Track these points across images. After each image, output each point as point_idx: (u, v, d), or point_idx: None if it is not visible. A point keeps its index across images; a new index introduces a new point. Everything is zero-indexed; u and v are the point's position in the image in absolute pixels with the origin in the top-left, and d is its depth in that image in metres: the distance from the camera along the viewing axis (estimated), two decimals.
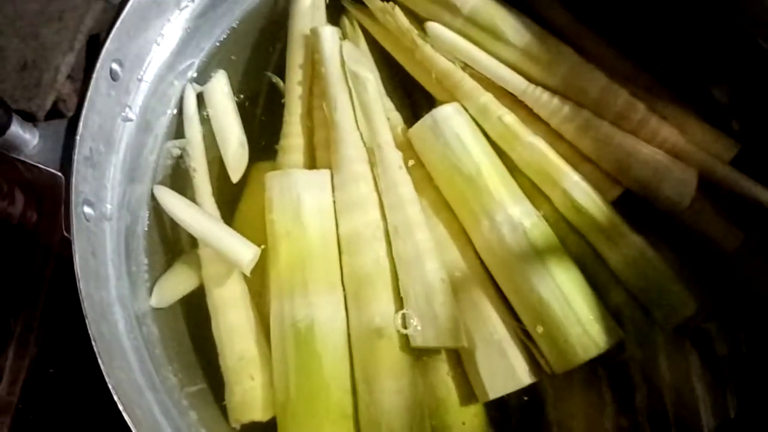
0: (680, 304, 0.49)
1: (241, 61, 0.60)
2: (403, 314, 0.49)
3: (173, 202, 0.50)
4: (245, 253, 0.50)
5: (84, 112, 0.42)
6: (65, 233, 0.40)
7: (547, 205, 0.53)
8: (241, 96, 0.59)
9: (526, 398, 0.50)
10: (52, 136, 0.42)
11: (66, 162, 0.41)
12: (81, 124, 0.42)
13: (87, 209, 0.43)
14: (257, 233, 0.52)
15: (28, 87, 0.76)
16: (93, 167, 0.44)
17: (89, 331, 0.38)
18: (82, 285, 0.39)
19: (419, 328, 0.48)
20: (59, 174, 0.41)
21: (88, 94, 0.42)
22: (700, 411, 0.49)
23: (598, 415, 0.51)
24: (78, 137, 0.41)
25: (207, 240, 0.50)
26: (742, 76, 0.56)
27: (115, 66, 0.45)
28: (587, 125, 0.53)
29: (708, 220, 0.53)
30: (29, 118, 0.75)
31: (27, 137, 0.41)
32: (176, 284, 0.53)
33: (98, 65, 0.43)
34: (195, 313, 0.52)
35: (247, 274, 0.50)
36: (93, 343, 0.37)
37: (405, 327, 0.48)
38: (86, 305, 0.38)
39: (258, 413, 0.49)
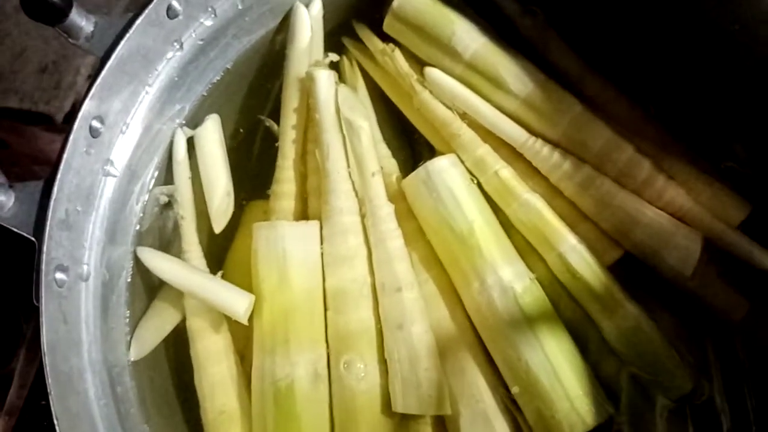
0: (675, 381, 0.48)
1: (238, 99, 0.58)
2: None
3: (158, 263, 0.50)
4: (240, 303, 0.49)
5: (59, 174, 0.41)
6: (35, 302, 0.39)
7: (542, 265, 0.51)
8: (241, 130, 0.58)
9: None
10: (27, 198, 0.41)
11: (40, 225, 0.41)
12: (56, 187, 0.41)
13: (59, 275, 0.42)
14: (250, 273, 0.51)
15: (47, 89, 0.77)
16: (69, 229, 0.43)
17: (52, 409, 0.37)
18: (48, 360, 0.38)
19: (398, 391, 0.47)
20: (33, 239, 0.40)
21: (64, 156, 0.41)
22: None
23: None
24: (52, 201, 0.41)
25: (199, 296, 0.50)
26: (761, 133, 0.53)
27: (95, 123, 0.44)
28: (588, 183, 0.51)
29: (712, 288, 0.50)
30: (48, 120, 0.75)
31: (2, 199, 0.40)
32: (156, 326, 0.52)
33: (75, 125, 0.42)
34: (178, 364, 0.51)
35: (245, 323, 0.49)
36: (55, 422, 0.37)
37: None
38: (51, 381, 0.38)
39: None
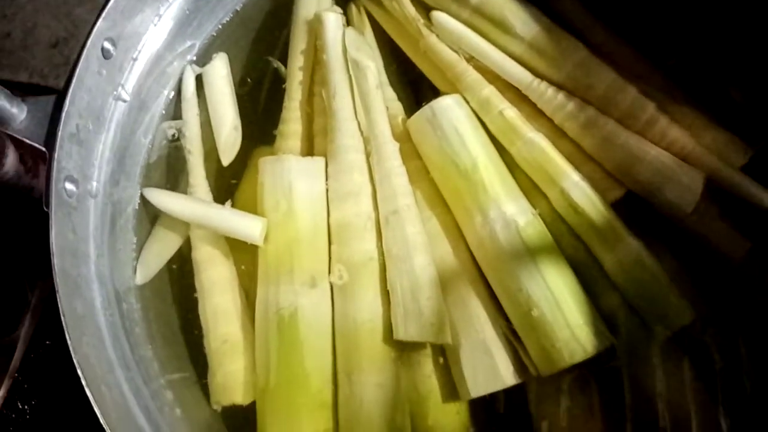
0: (675, 313, 0.47)
1: (246, 43, 0.59)
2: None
3: (166, 200, 0.50)
4: (253, 226, 0.49)
5: (71, 88, 0.42)
6: (44, 208, 0.40)
7: (545, 203, 0.51)
8: (249, 80, 0.59)
9: (512, 398, 0.49)
10: (39, 111, 0.42)
11: (51, 138, 0.41)
12: (68, 100, 0.42)
13: (69, 186, 0.43)
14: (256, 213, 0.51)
15: (57, 64, 0.78)
16: (79, 144, 0.44)
17: (60, 307, 0.38)
18: (56, 260, 0.39)
19: (399, 319, 0.48)
20: (43, 149, 0.41)
21: (77, 71, 0.42)
22: (691, 427, 0.47)
23: (585, 420, 0.49)
24: (64, 113, 0.42)
25: (212, 225, 0.50)
26: (761, 78, 0.54)
27: (107, 44, 0.45)
28: (592, 123, 0.51)
29: (713, 227, 0.51)
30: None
31: (14, 111, 0.41)
32: (160, 249, 0.53)
33: (89, 43, 0.43)
34: (183, 295, 0.52)
35: (261, 244, 0.49)
36: (62, 318, 0.37)
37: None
38: (58, 280, 0.39)
39: (239, 397, 0.49)
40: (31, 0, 0.79)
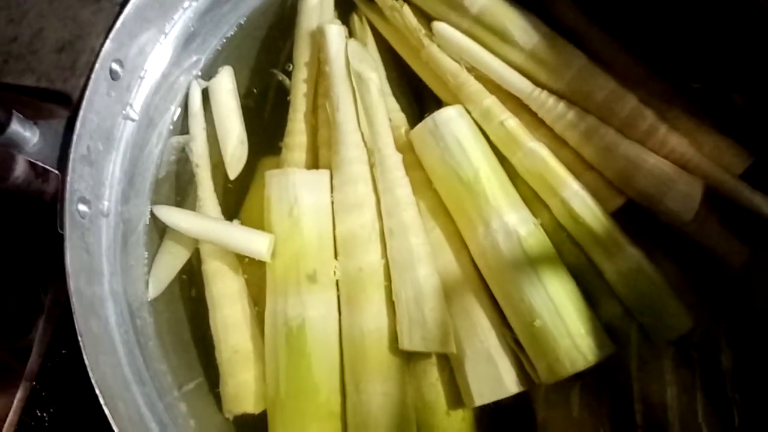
0: (676, 320, 0.48)
1: (251, 57, 0.60)
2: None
3: (176, 218, 0.51)
4: (261, 242, 0.50)
5: (82, 111, 0.43)
6: (59, 230, 0.41)
7: (546, 213, 0.52)
8: (254, 91, 0.60)
9: (518, 406, 0.50)
10: (51, 134, 0.43)
11: (63, 160, 0.42)
12: (78, 123, 0.43)
13: (82, 207, 0.44)
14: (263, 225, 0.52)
15: (64, 68, 0.79)
16: (91, 165, 0.45)
17: (76, 327, 0.39)
18: (72, 282, 0.40)
19: (404, 330, 0.49)
20: (56, 172, 0.42)
21: (87, 94, 0.43)
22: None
23: (590, 428, 0.50)
24: (75, 136, 0.43)
25: (220, 242, 0.51)
26: (762, 83, 0.54)
27: (115, 66, 0.46)
28: (592, 132, 0.52)
29: (713, 235, 0.51)
30: (65, 99, 0.77)
31: (27, 135, 0.42)
32: (169, 262, 0.54)
33: (97, 66, 0.44)
34: (195, 305, 0.53)
35: (268, 260, 0.50)
36: (79, 339, 0.39)
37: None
38: (75, 300, 0.40)
39: (250, 406, 0.50)
40: (37, 4, 0.80)
